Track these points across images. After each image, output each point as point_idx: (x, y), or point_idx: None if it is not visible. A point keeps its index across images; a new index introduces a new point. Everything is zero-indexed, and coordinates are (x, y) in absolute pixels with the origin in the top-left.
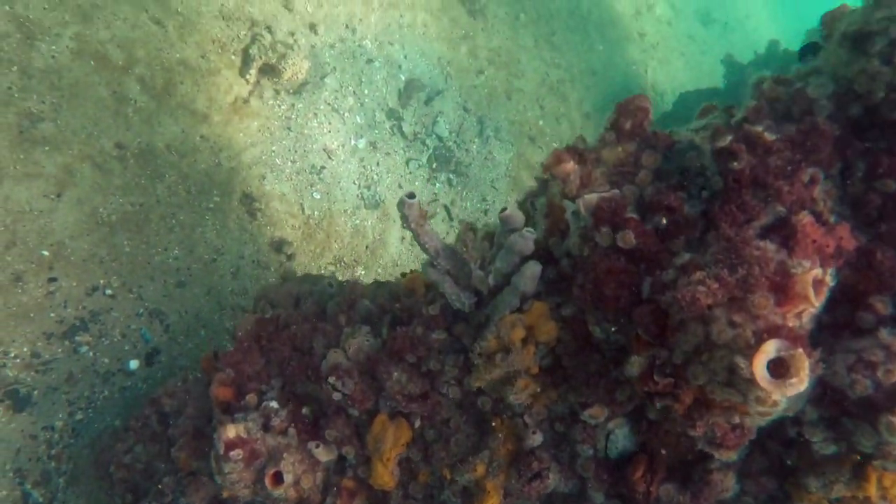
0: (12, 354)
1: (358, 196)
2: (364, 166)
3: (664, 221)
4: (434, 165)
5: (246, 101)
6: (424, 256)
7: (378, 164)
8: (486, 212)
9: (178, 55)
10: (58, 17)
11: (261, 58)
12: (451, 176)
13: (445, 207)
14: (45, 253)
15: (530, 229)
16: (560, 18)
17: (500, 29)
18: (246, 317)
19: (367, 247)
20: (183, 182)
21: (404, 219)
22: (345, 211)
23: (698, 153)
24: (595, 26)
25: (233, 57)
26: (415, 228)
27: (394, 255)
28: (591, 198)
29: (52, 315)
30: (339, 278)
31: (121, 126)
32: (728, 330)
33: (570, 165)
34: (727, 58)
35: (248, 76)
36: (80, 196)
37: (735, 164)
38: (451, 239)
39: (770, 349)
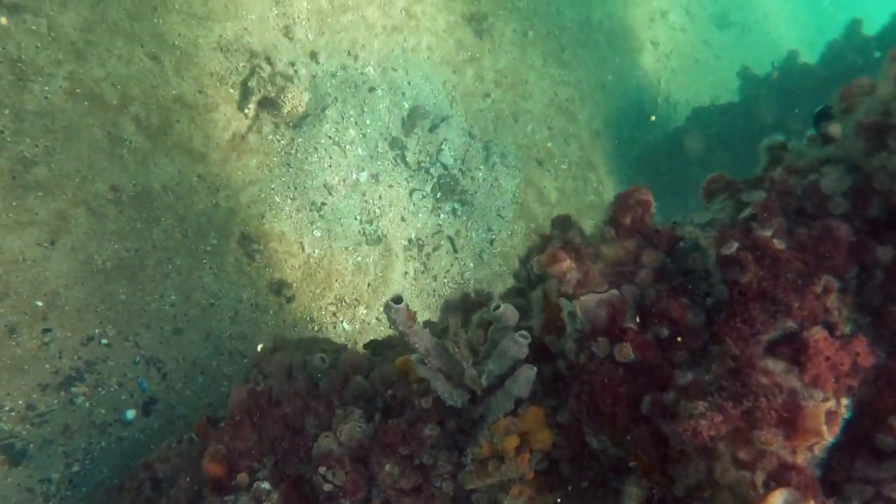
0: (7, 408)
1: (360, 232)
2: (366, 200)
3: (666, 332)
4: (438, 195)
5: (244, 137)
6: (427, 294)
7: (380, 197)
8: (491, 242)
9: (174, 92)
10: (51, 56)
11: (260, 91)
12: (455, 205)
13: (450, 239)
14: (39, 303)
15: (524, 333)
16: (570, 33)
17: (507, 49)
18: (238, 387)
19: (368, 284)
20: (179, 225)
21: (392, 322)
22: (346, 248)
23: (702, 255)
24: (606, 38)
25: (231, 90)
26: (403, 330)
27: (397, 292)
28: (589, 301)
29: (47, 366)
30: (341, 318)
31: (116, 168)
32: (732, 470)
33: (567, 264)
34: (743, 71)
35: (246, 110)
36: (74, 243)
37: (742, 276)
38: (455, 271)
39: (778, 501)
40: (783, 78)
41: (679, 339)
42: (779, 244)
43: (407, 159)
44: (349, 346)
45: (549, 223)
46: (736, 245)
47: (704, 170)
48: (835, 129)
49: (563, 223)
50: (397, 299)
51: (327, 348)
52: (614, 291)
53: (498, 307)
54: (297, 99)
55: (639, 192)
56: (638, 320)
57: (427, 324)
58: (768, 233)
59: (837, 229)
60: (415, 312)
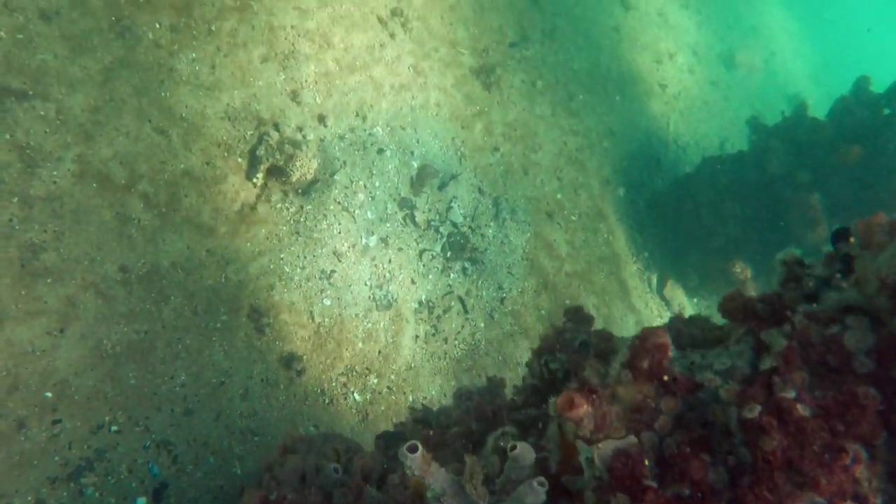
0: None
1: (370, 297)
2: (376, 265)
3: (687, 492)
4: (448, 254)
5: (253, 207)
6: (438, 357)
7: (390, 260)
8: (502, 300)
9: (182, 166)
10: (59, 140)
11: (268, 160)
12: (466, 264)
13: (460, 299)
14: (49, 395)
15: (542, 479)
16: (578, 80)
17: (515, 100)
18: (250, 493)
19: (379, 352)
20: (189, 302)
21: (408, 468)
22: (356, 315)
23: (723, 410)
24: (615, 83)
25: (239, 160)
26: (420, 475)
27: (407, 358)
28: (606, 449)
29: (57, 458)
30: (351, 389)
31: (124, 248)
32: None
33: (584, 409)
34: (752, 120)
35: (255, 179)
36: (83, 330)
37: (765, 443)
38: (467, 332)
39: None
40: (793, 130)
41: (700, 495)
42: (803, 410)
43: (416, 219)
44: (360, 419)
45: (563, 313)
46: (758, 409)
47: (715, 218)
48: (857, 260)
49: (576, 315)
50: (413, 448)
51: (340, 448)
52: (633, 439)
53: (514, 447)
54: (305, 167)
55: (656, 335)
56: (657, 469)
57: (444, 386)
58: (791, 394)
59: (865, 396)
60: (430, 456)
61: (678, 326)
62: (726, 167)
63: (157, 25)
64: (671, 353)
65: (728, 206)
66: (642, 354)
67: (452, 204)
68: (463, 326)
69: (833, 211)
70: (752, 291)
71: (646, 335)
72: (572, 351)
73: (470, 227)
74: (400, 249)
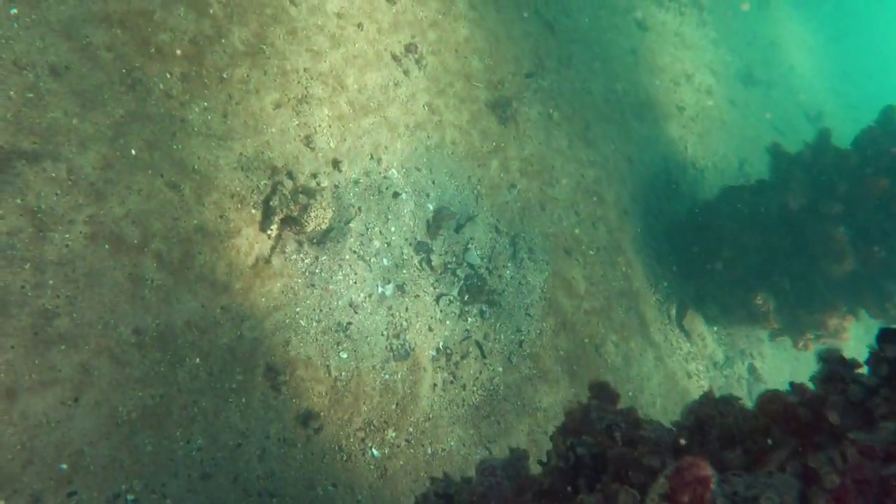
0: None
1: (387, 348)
2: (392, 314)
3: None
4: (466, 297)
5: (268, 260)
6: (456, 405)
7: (407, 309)
8: (520, 343)
9: (195, 221)
10: (71, 201)
11: (282, 211)
12: (483, 307)
13: (478, 344)
14: (64, 466)
15: None
16: (595, 108)
17: (532, 133)
18: None
19: (397, 404)
20: (204, 363)
21: None
22: (373, 367)
23: None
24: (632, 108)
25: (253, 211)
26: None
27: (425, 409)
28: None
29: None
30: (369, 444)
31: (138, 310)
32: None
33: None
34: (773, 147)
35: (269, 231)
36: (97, 397)
37: None
38: (485, 377)
39: None
40: (816, 160)
41: None
42: None
43: (433, 262)
44: (379, 475)
45: (588, 388)
46: None
47: (735, 249)
48: None
49: (602, 391)
50: None
51: None
52: None
53: None
54: (320, 217)
55: (698, 467)
56: None
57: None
58: None
59: None
60: None
61: (709, 412)
62: (747, 197)
63: (168, 76)
64: (713, 483)
65: (749, 237)
66: (682, 488)
67: (469, 245)
68: (481, 372)
69: (859, 244)
70: (774, 324)
71: (687, 466)
72: (599, 433)
73: (487, 268)
74: (417, 296)
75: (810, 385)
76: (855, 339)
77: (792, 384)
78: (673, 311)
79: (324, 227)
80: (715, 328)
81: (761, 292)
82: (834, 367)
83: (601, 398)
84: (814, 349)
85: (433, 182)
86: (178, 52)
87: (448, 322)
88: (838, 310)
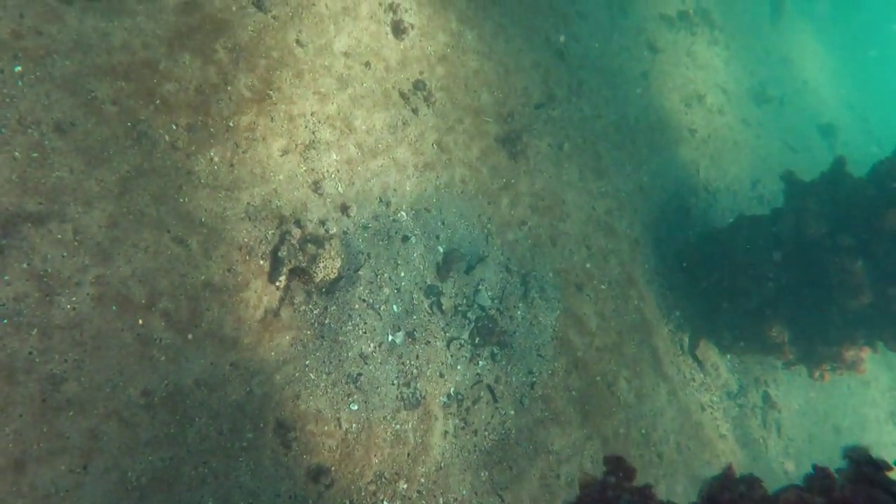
0: None
1: (397, 397)
2: (403, 363)
3: None
4: (477, 340)
5: (276, 313)
6: (468, 451)
7: (417, 356)
8: (532, 385)
9: (202, 277)
10: (77, 263)
11: (290, 262)
12: (494, 349)
13: (489, 388)
14: None
15: None
16: (606, 137)
17: (542, 167)
18: None
19: (408, 454)
20: (214, 422)
21: None
22: (384, 418)
23: None
24: (643, 135)
25: (261, 262)
26: None
27: (437, 458)
28: None
29: None
30: (381, 497)
31: (146, 370)
32: None
33: None
34: (787, 175)
35: (278, 282)
36: (107, 463)
37: None
38: (496, 421)
39: None
40: (832, 190)
41: None
42: None
43: (443, 306)
44: None
45: (604, 462)
46: None
47: (750, 280)
48: None
49: (618, 466)
50: None
51: None
52: None
53: None
54: (329, 267)
55: None
56: None
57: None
58: None
59: None
60: None
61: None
62: (761, 228)
63: (174, 127)
64: None
65: (763, 269)
66: None
67: (479, 287)
68: (493, 416)
69: (877, 277)
70: (789, 356)
71: None
72: None
73: (498, 309)
74: (427, 343)
75: (835, 475)
76: (872, 363)
77: (815, 473)
78: (686, 341)
79: (332, 276)
80: (728, 356)
81: (776, 324)
82: (863, 468)
83: (618, 473)
84: (830, 379)
85: (443, 223)
86: (184, 101)
87: (459, 367)
88: (855, 342)
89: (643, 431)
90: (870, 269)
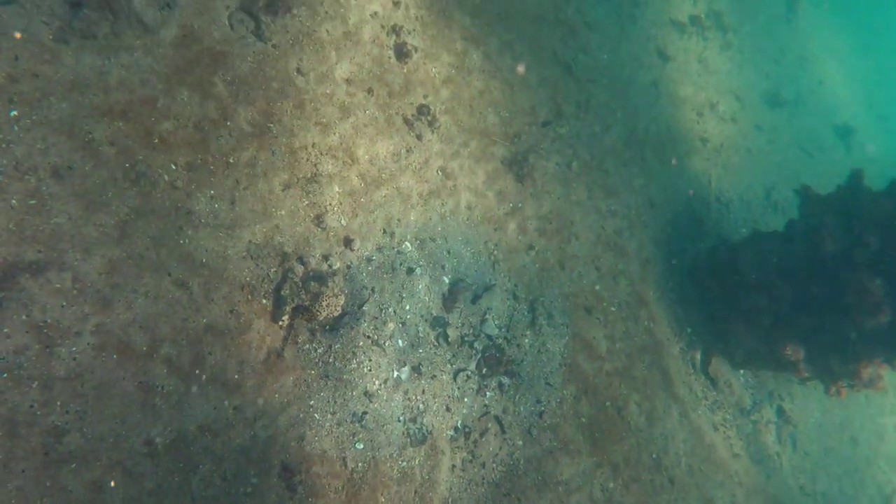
0: None
1: (404, 433)
2: (409, 398)
3: None
4: (484, 371)
5: (280, 353)
6: (476, 484)
7: (423, 391)
8: (540, 414)
9: (204, 320)
10: (77, 312)
11: (293, 300)
12: (502, 379)
13: (497, 419)
14: None
15: None
16: (615, 153)
17: (550, 188)
18: None
19: (415, 492)
20: (218, 469)
21: None
22: (390, 456)
23: None
24: (654, 148)
25: (264, 301)
26: None
27: (444, 493)
28: None
29: None
30: None
31: (149, 419)
32: None
33: None
34: (803, 190)
35: (281, 322)
36: None
37: None
38: (504, 453)
39: None
40: (848, 204)
41: None
42: None
43: (449, 337)
44: None
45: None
46: None
47: (763, 297)
48: None
49: None
50: None
51: None
52: None
53: None
54: (332, 305)
55: None
56: None
57: None
58: None
59: None
60: None
61: None
62: (776, 245)
63: (173, 166)
64: None
65: (778, 287)
66: None
67: (486, 316)
68: (501, 447)
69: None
70: (804, 374)
71: None
72: None
73: (505, 337)
74: (433, 377)
75: None
76: (890, 372)
77: None
78: (698, 359)
79: (336, 313)
80: (741, 372)
81: (791, 342)
82: None
83: None
84: (847, 396)
85: (448, 252)
86: (182, 140)
87: (466, 399)
88: (873, 360)
89: (654, 456)
90: (888, 287)
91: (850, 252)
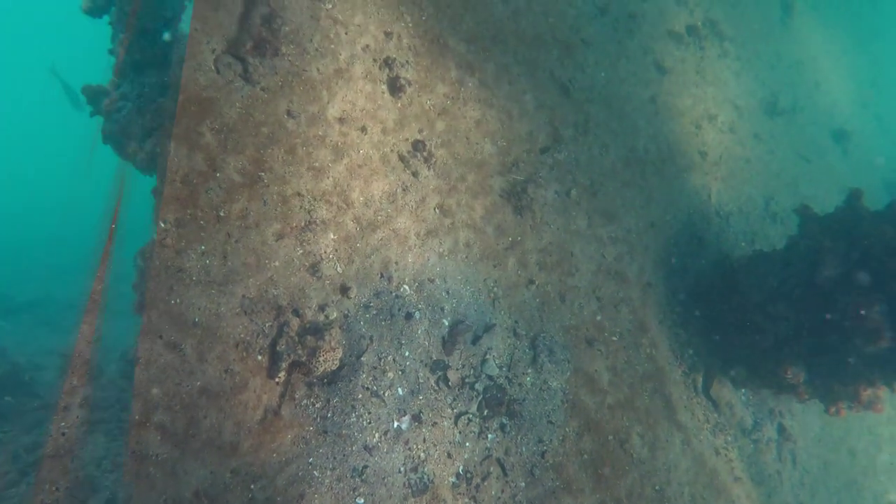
0: None
1: (404, 484)
2: (409, 448)
3: None
4: (485, 413)
5: (277, 411)
6: None
7: (424, 440)
8: (542, 454)
9: (198, 382)
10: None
11: (290, 356)
12: (504, 420)
13: (499, 462)
14: None
15: None
16: (614, 174)
17: (549, 219)
18: None
19: None
20: None
21: None
22: None
23: None
24: (653, 166)
25: (259, 357)
26: None
27: None
28: None
29: None
30: None
31: (143, 488)
32: None
33: None
34: (802, 209)
35: (277, 378)
36: None
37: None
38: (507, 496)
39: None
40: (847, 227)
41: None
42: None
43: (450, 380)
44: None
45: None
46: None
47: (764, 318)
48: None
49: None
50: None
51: None
52: None
53: None
54: (329, 359)
55: None
56: None
57: None
58: None
59: None
60: None
61: None
62: (776, 267)
63: (162, 224)
64: None
65: (778, 309)
66: None
67: (487, 356)
68: (503, 490)
69: (894, 319)
70: (805, 396)
71: None
72: None
73: (507, 377)
74: (434, 424)
75: None
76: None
77: None
78: (699, 381)
79: (334, 367)
80: (742, 391)
81: (791, 365)
82: None
83: None
84: (846, 416)
85: (447, 293)
86: (171, 196)
87: (468, 444)
88: (873, 383)
89: (657, 488)
90: (888, 312)
91: (849, 277)
